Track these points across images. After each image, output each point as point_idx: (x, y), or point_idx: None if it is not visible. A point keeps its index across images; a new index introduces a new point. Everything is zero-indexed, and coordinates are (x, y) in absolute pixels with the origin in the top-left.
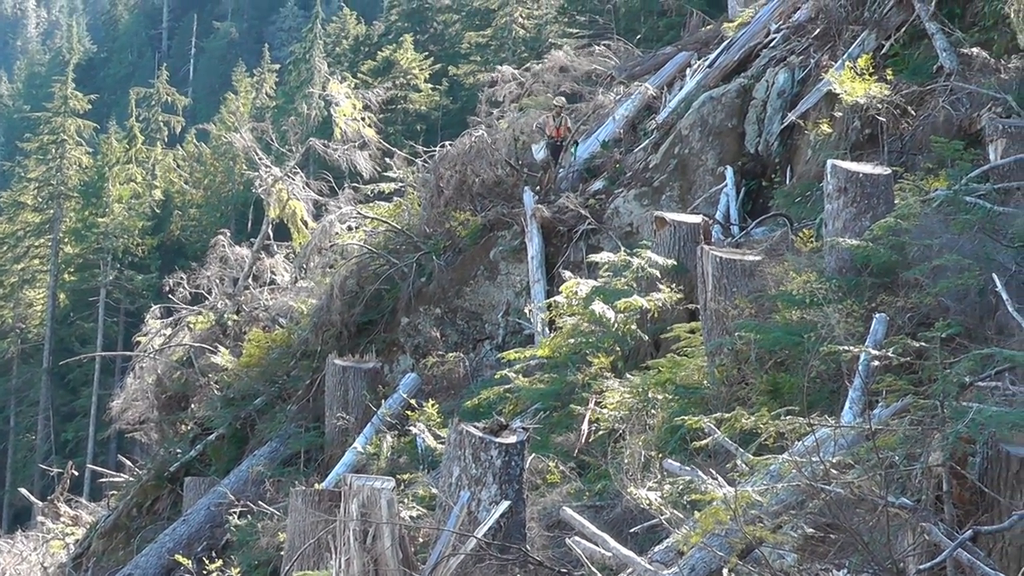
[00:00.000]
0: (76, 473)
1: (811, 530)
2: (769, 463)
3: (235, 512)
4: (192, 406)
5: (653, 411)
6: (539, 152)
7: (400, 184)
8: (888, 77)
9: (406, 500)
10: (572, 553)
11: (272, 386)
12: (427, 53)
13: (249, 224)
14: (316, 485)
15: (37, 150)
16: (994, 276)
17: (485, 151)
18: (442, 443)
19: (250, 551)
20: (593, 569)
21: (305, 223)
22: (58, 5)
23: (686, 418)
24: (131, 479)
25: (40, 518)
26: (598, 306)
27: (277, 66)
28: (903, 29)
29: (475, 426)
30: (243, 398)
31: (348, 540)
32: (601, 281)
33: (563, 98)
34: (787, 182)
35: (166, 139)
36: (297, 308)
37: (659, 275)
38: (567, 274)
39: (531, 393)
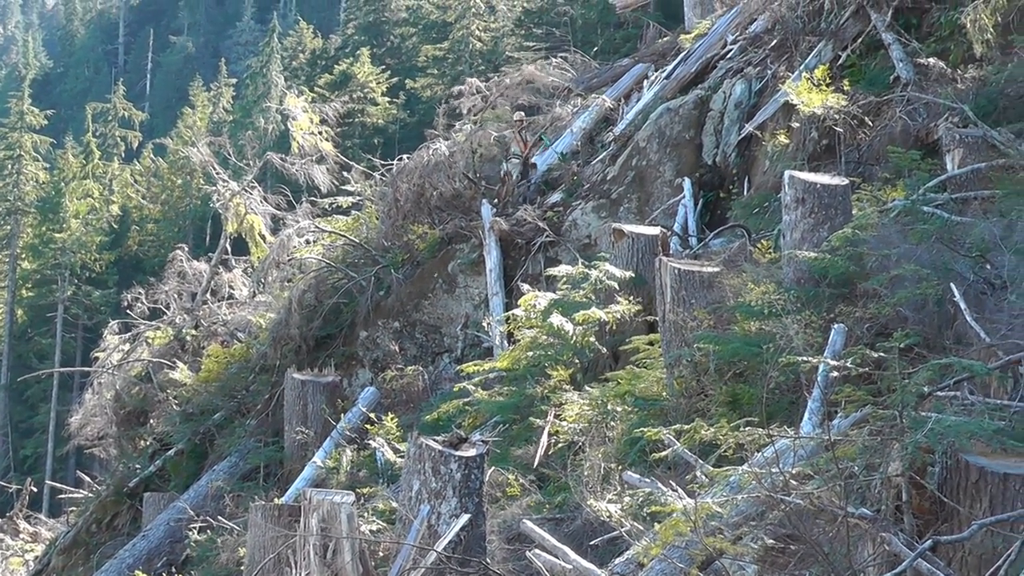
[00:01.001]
0: (35, 489)
1: (771, 541)
2: (729, 474)
3: (195, 527)
4: (151, 421)
5: (612, 423)
6: (514, 169)
7: (358, 198)
8: (845, 88)
9: (366, 514)
10: (532, 566)
11: (231, 401)
12: (384, 66)
13: (207, 239)
14: (276, 500)
15: None
16: (952, 286)
17: (443, 164)
18: (402, 457)
19: (210, 566)
20: None
21: (263, 237)
22: (14, 20)
23: (645, 430)
24: (90, 495)
25: None
26: (556, 319)
27: (234, 80)
28: (859, 40)
29: (435, 439)
30: (202, 413)
31: (308, 555)
32: (559, 294)
33: (522, 112)
34: (745, 193)
35: (123, 154)
36: (255, 323)
37: (617, 287)
38: (525, 287)
39: (490, 406)
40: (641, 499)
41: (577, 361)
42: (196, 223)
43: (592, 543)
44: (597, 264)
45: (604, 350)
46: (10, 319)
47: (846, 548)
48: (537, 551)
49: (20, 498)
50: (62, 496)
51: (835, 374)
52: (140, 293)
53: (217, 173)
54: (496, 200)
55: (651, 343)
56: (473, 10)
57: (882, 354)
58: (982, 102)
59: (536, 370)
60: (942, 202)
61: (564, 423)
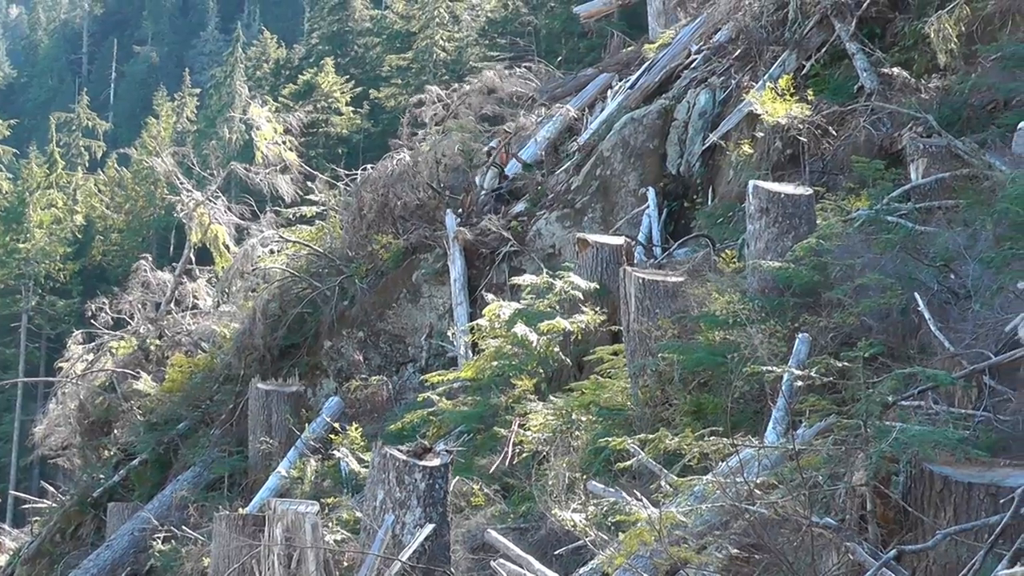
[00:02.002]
0: None
1: (735, 551)
2: (693, 484)
3: (159, 537)
4: (115, 431)
5: (577, 433)
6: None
7: (322, 207)
8: (809, 97)
9: (330, 524)
10: None
11: (195, 411)
12: (348, 76)
13: (171, 248)
14: (240, 510)
15: None
16: (916, 295)
17: (407, 174)
18: (366, 467)
19: None
20: None
21: (227, 247)
22: None
23: (610, 439)
24: (54, 505)
25: None
26: (521, 329)
27: (198, 90)
28: (824, 49)
29: (399, 449)
30: (166, 423)
31: (273, 565)
32: (524, 303)
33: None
34: (709, 203)
35: (87, 164)
36: (220, 332)
37: (582, 297)
38: (490, 297)
39: (455, 416)
40: (605, 508)
41: (541, 371)
42: (160, 233)
43: (556, 553)
44: (561, 274)
45: (568, 360)
46: None
47: (810, 557)
48: (501, 561)
49: None
50: (26, 506)
51: (799, 383)
52: (104, 303)
53: (181, 183)
54: (460, 210)
55: (615, 353)
56: (437, 20)
57: (846, 363)
58: (946, 112)
59: (500, 380)
60: (906, 212)
61: (528, 433)
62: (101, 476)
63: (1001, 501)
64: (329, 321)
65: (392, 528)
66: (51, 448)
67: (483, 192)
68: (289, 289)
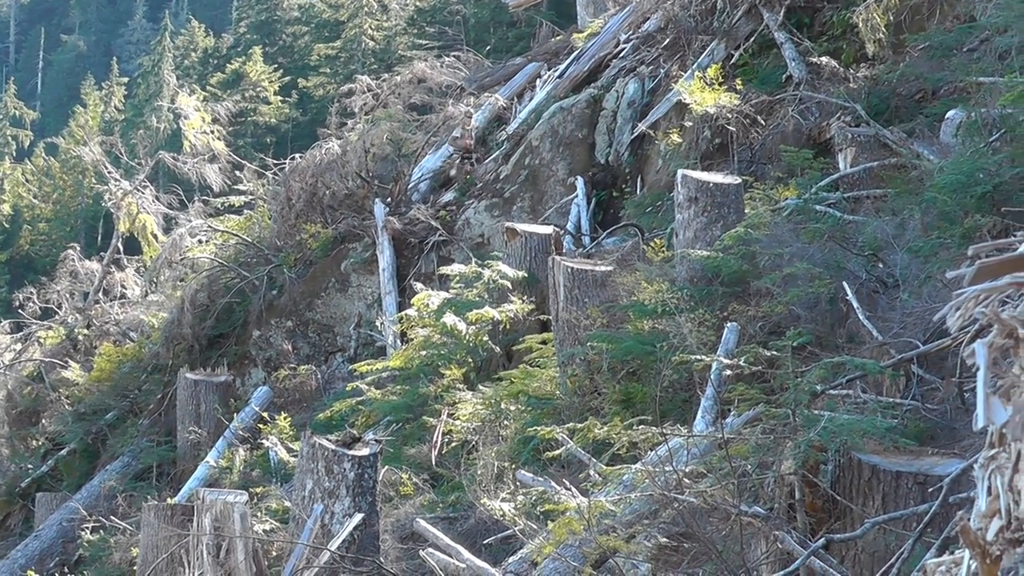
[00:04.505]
0: None
1: (665, 539)
2: (622, 473)
3: (87, 527)
4: (43, 421)
5: (506, 422)
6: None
7: (250, 197)
8: (738, 87)
9: (259, 514)
10: (426, 565)
11: (123, 400)
12: (276, 65)
13: (99, 238)
14: (169, 499)
15: None
16: (844, 284)
17: (336, 164)
18: (295, 456)
19: (103, 566)
20: None
21: (155, 237)
22: None
23: (538, 429)
24: None
25: None
26: (450, 318)
27: (126, 79)
28: (752, 39)
29: (328, 439)
30: (94, 413)
31: (201, 554)
32: (453, 293)
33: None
34: (638, 192)
35: (14, 153)
36: (148, 322)
37: (510, 286)
38: (419, 286)
39: (383, 405)
40: (534, 498)
41: (470, 360)
42: (88, 222)
43: (486, 542)
44: (490, 263)
45: (497, 349)
46: None
47: (739, 546)
48: (430, 550)
49: None
50: None
51: (728, 372)
52: (32, 293)
53: (109, 172)
54: (389, 199)
55: (544, 342)
56: (366, 9)
57: (775, 352)
58: (874, 101)
59: (429, 369)
60: (834, 201)
61: (457, 422)
62: (29, 466)
63: (929, 490)
64: (258, 311)
65: (321, 518)
66: None
67: (413, 181)
68: (218, 279)
